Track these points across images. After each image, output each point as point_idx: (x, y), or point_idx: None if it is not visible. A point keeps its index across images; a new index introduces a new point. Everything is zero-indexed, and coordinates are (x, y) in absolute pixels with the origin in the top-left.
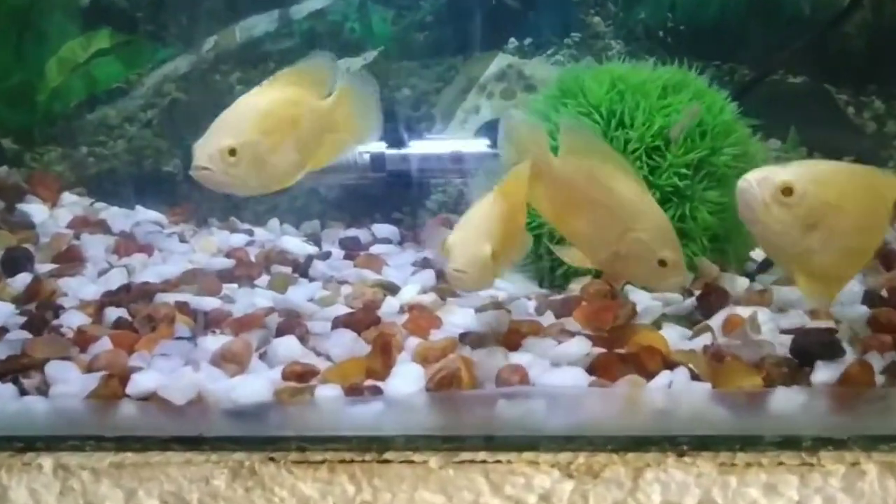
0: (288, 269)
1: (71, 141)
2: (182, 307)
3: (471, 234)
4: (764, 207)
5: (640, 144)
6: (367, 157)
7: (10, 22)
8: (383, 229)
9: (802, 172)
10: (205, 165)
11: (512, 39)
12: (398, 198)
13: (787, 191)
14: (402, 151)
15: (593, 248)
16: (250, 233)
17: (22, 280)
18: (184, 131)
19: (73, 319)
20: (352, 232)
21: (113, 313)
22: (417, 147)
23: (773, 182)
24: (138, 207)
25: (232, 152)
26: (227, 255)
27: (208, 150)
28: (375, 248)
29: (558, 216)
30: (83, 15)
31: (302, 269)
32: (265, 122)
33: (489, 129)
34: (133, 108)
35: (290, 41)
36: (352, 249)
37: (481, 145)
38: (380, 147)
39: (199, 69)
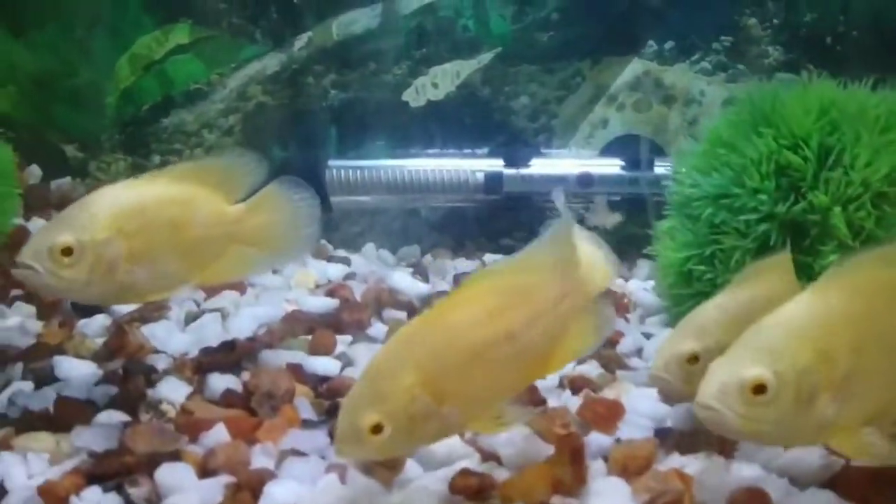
0: (402, 315)
1: (142, 149)
2: (298, 373)
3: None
4: (741, 421)
5: (863, 189)
6: (480, 176)
7: (77, 13)
8: (494, 261)
9: (768, 350)
10: (27, 263)
11: (650, 43)
12: (515, 223)
13: (760, 389)
14: (523, 171)
15: None
16: (347, 261)
17: (98, 323)
18: (270, 140)
19: (171, 390)
20: (463, 264)
21: (218, 382)
22: (539, 167)
23: (737, 386)
24: None
25: (67, 251)
26: (329, 293)
27: (36, 245)
28: None
29: None
30: (160, 6)
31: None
32: (129, 219)
33: (618, 146)
34: (213, 113)
35: (396, 40)
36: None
37: (612, 166)
38: (496, 165)
39: (290, 70)
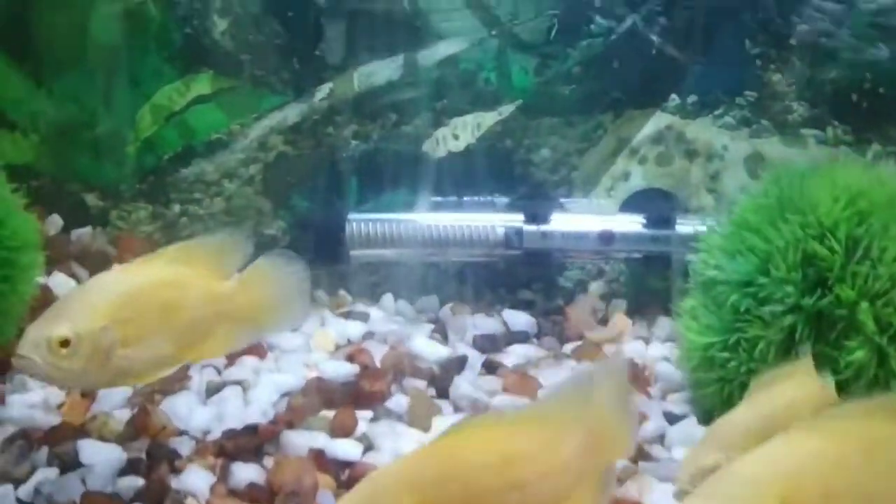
0: (422, 384)
1: (163, 198)
2: (320, 461)
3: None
4: None
5: (890, 285)
6: (500, 231)
7: (99, 62)
8: (517, 319)
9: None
10: (25, 354)
11: (673, 96)
12: (534, 277)
13: None
14: (543, 228)
15: None
16: (365, 317)
17: (120, 395)
18: (290, 190)
19: (195, 480)
20: (482, 322)
21: (242, 472)
22: (560, 222)
23: None
24: None
25: (64, 343)
26: (349, 358)
27: (34, 337)
28: (516, 352)
29: None
30: (181, 56)
31: (439, 385)
32: (123, 307)
33: (639, 199)
34: (234, 163)
35: (417, 90)
36: (489, 352)
37: (634, 223)
38: (516, 220)
39: (311, 120)
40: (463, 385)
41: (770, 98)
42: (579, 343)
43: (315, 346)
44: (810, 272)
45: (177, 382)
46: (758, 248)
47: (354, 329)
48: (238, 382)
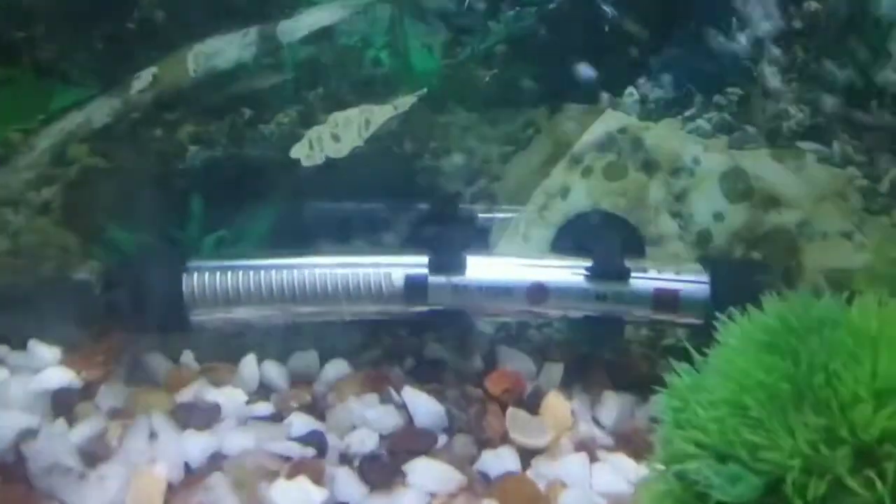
0: None
1: None
2: None
3: None
4: None
5: None
6: (399, 279)
7: None
8: (420, 405)
9: None
10: None
11: (629, 89)
12: (447, 346)
13: None
14: (455, 279)
15: None
16: (214, 414)
17: None
18: (104, 218)
19: None
20: (374, 409)
21: None
22: (479, 271)
23: None
24: (33, 345)
25: None
26: (186, 481)
27: None
28: (417, 483)
29: None
30: None
31: None
32: None
33: (582, 227)
34: (16, 185)
35: (278, 76)
36: (379, 484)
37: (574, 271)
38: (419, 264)
39: (128, 121)
40: None
41: (760, 97)
42: (503, 449)
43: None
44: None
45: None
46: (762, 463)
47: (196, 448)
48: None
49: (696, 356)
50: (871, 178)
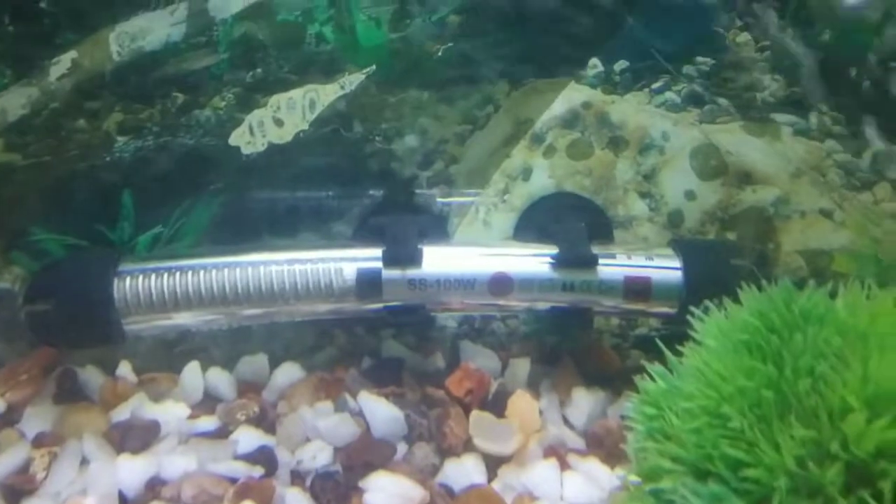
0: None
1: None
2: None
3: None
4: None
5: None
6: (350, 275)
7: None
8: (378, 412)
9: None
10: None
11: (593, 61)
12: (406, 341)
13: None
14: (410, 273)
15: None
16: (154, 432)
17: None
18: (23, 220)
19: None
20: (326, 424)
21: None
22: (437, 263)
23: None
24: None
25: None
26: None
27: None
28: (374, 487)
29: None
30: None
31: None
32: None
33: (546, 210)
34: None
35: (212, 57)
36: (331, 496)
37: (541, 260)
38: (372, 258)
39: (46, 111)
40: None
41: (732, 68)
42: (467, 458)
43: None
44: None
45: None
46: (745, 482)
47: (131, 475)
48: None
49: (669, 356)
50: (853, 151)
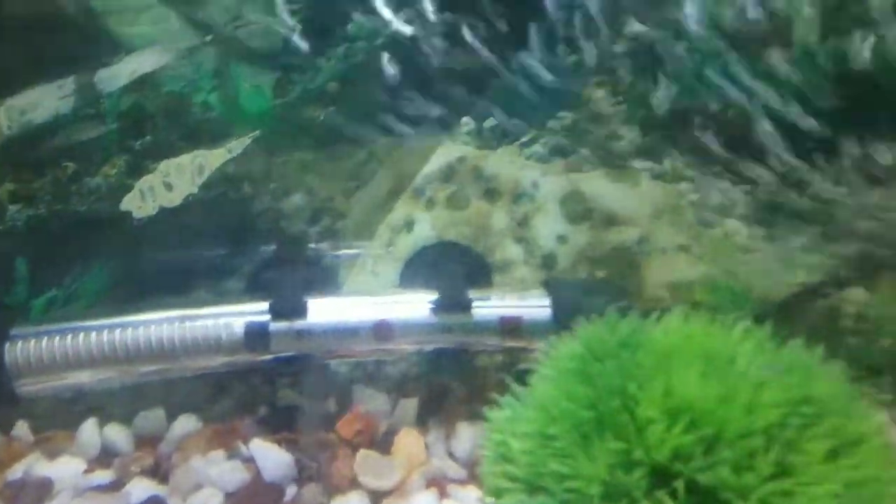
0: None
1: None
2: None
3: None
4: None
5: None
6: (239, 329)
7: None
8: (268, 456)
9: None
10: None
11: (465, 119)
12: (296, 393)
13: None
14: (298, 325)
15: None
16: (46, 488)
17: None
18: None
19: None
20: (218, 471)
21: None
22: (322, 314)
23: None
24: None
25: None
26: None
27: None
28: None
29: None
30: None
31: None
32: None
33: (429, 258)
34: None
35: (101, 127)
36: None
37: (421, 306)
38: (261, 311)
39: None
40: None
41: (591, 121)
42: (352, 495)
43: None
44: None
45: None
46: (567, 493)
47: None
48: None
49: (518, 387)
50: (703, 193)
